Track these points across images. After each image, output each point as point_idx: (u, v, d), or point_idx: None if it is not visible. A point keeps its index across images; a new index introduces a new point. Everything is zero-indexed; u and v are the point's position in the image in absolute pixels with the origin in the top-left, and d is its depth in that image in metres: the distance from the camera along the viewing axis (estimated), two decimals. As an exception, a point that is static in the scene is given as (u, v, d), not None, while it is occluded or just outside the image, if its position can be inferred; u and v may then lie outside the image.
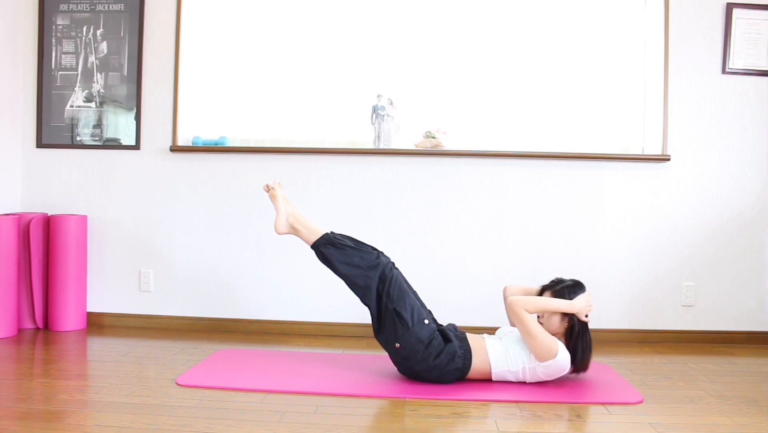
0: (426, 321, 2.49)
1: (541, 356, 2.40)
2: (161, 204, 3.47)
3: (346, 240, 2.62)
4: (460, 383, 2.50)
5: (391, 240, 3.38)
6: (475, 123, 3.50)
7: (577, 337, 2.47)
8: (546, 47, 3.48)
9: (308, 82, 3.52)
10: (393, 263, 2.61)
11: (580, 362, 2.49)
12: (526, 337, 2.42)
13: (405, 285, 2.57)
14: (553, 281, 2.58)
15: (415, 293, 2.64)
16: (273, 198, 2.73)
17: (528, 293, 2.60)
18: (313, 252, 2.64)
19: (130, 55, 3.45)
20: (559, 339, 2.47)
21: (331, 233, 2.66)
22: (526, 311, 2.42)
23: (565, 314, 2.48)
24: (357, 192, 3.41)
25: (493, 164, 3.39)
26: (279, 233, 2.69)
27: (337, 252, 2.56)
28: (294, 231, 2.67)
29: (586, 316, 2.49)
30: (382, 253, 2.62)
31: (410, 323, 2.45)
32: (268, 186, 2.76)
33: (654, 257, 3.37)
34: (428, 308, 2.67)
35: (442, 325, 2.63)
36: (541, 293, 2.59)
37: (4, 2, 3.37)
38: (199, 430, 1.98)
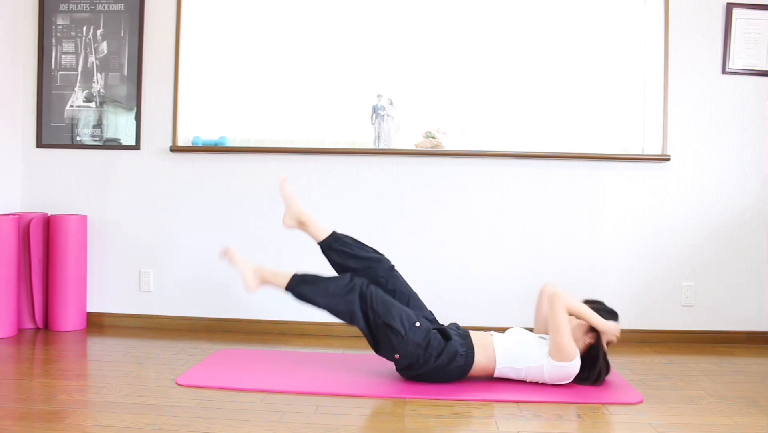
0: (417, 324, 2.47)
1: (559, 355, 2.41)
2: (161, 204, 3.47)
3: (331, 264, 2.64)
4: (461, 382, 2.50)
5: (392, 240, 3.38)
6: (475, 123, 3.50)
7: (596, 358, 2.47)
8: (546, 47, 3.48)
9: (308, 82, 3.52)
10: (368, 282, 2.55)
11: (596, 381, 2.49)
12: (554, 331, 2.42)
13: (387, 296, 2.54)
14: (594, 300, 2.61)
15: (411, 297, 2.63)
16: (232, 261, 2.67)
17: None
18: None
19: (130, 55, 3.45)
20: None
21: (333, 233, 2.67)
22: (567, 307, 2.44)
23: (590, 331, 2.50)
24: (357, 192, 3.41)
25: (493, 164, 3.39)
26: (250, 290, 2.64)
27: (310, 288, 2.54)
28: (265, 281, 2.63)
29: (608, 344, 2.52)
30: (354, 274, 2.57)
31: (403, 331, 2.44)
32: (225, 251, 2.68)
33: (654, 257, 3.37)
34: (429, 308, 2.68)
35: (443, 325, 2.63)
36: None
37: (4, 2, 3.37)
38: (199, 430, 1.98)
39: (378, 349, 2.54)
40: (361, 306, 2.50)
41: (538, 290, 2.78)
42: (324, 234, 2.68)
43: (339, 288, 2.52)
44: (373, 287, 2.54)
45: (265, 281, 2.63)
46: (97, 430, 1.96)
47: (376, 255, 2.69)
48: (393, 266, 2.70)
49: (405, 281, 2.70)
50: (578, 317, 2.50)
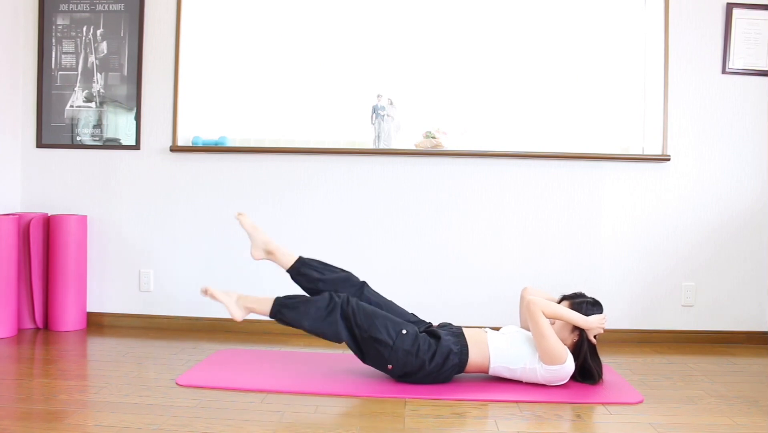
0: (404, 331, 2.46)
1: (549, 359, 2.41)
2: (161, 204, 3.47)
3: (313, 269, 2.64)
4: (460, 382, 2.50)
5: (391, 240, 3.38)
6: (475, 123, 3.50)
7: (586, 356, 2.49)
8: (546, 47, 3.48)
9: (308, 82, 3.52)
10: (347, 298, 2.52)
11: (590, 377, 2.50)
12: (538, 337, 2.42)
13: (369, 308, 2.52)
14: (574, 294, 2.60)
15: (382, 305, 2.63)
16: (214, 298, 2.63)
17: (546, 299, 2.59)
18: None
19: (130, 55, 3.45)
20: None
21: (300, 258, 2.65)
22: (543, 312, 2.43)
23: (575, 328, 2.50)
24: (357, 192, 3.41)
25: (493, 164, 3.39)
26: (237, 320, 2.61)
27: (292, 313, 2.53)
28: (249, 309, 2.60)
29: (596, 337, 2.52)
30: (333, 294, 2.55)
31: (391, 342, 2.43)
32: (205, 290, 2.62)
33: (654, 257, 3.37)
34: (413, 310, 2.69)
35: (431, 324, 2.64)
36: (559, 301, 2.60)
37: (4, 2, 3.37)
38: (199, 430, 1.98)
39: (366, 360, 2.53)
40: (346, 324, 2.49)
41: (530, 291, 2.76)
42: (291, 260, 2.68)
43: (320, 310, 2.50)
44: (354, 302, 2.52)
45: (249, 309, 2.61)
46: (97, 430, 1.96)
47: (345, 274, 2.69)
48: (363, 283, 2.69)
49: (377, 293, 2.69)
50: (558, 319, 2.49)
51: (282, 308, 2.54)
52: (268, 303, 2.57)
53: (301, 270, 2.68)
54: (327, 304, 2.51)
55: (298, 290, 2.71)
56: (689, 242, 3.37)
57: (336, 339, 2.52)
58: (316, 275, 2.66)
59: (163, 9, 3.44)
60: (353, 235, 3.41)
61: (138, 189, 3.48)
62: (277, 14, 3.52)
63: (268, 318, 2.59)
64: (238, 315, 2.60)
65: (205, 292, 2.63)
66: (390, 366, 2.46)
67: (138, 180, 3.48)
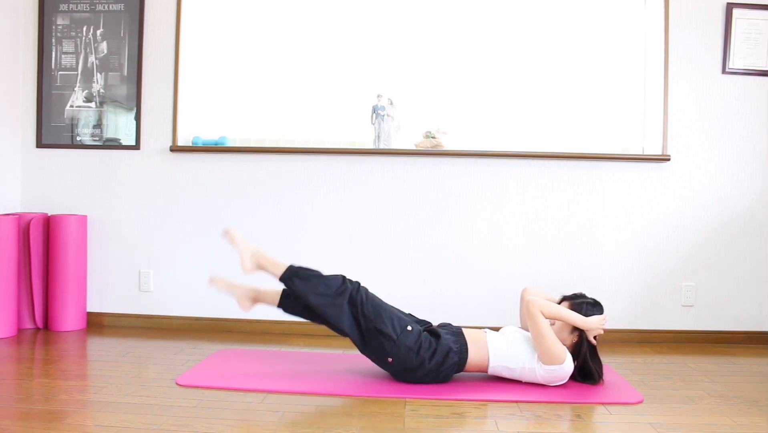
0: (409, 327, 2.46)
1: (548, 359, 2.41)
2: (161, 204, 3.47)
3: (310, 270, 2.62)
4: (460, 382, 2.50)
5: (391, 240, 3.38)
6: (475, 123, 3.50)
7: (586, 356, 2.49)
8: (546, 47, 3.48)
9: (308, 82, 3.52)
10: (359, 286, 2.54)
11: (590, 377, 2.50)
12: (538, 337, 2.42)
13: (377, 300, 2.53)
14: (574, 294, 2.61)
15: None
16: (233, 241, 2.66)
17: (547, 299, 2.59)
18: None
19: (130, 55, 3.45)
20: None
21: (290, 267, 2.63)
22: (542, 313, 2.43)
23: (575, 329, 2.50)
24: (357, 192, 3.41)
25: (493, 164, 3.39)
26: (245, 271, 2.63)
27: (302, 283, 2.52)
28: (260, 266, 2.62)
29: (595, 338, 2.52)
30: (347, 278, 2.55)
31: (395, 335, 2.43)
32: (226, 231, 2.67)
33: (654, 257, 3.37)
34: (412, 312, 2.68)
35: (431, 324, 2.64)
36: (559, 302, 2.60)
37: (4, 2, 3.37)
38: (199, 430, 1.98)
39: (366, 350, 2.53)
40: (352, 311, 2.48)
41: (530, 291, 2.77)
42: (281, 270, 2.61)
43: (329, 289, 2.49)
44: (363, 291, 2.52)
45: (260, 266, 2.61)
46: (97, 430, 1.96)
47: (340, 276, 2.64)
48: (358, 284, 2.62)
49: (374, 295, 2.63)
50: (558, 320, 2.49)
51: (294, 276, 2.54)
52: (281, 267, 2.57)
53: (294, 279, 2.66)
54: (338, 286, 2.50)
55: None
56: (689, 242, 3.37)
57: (336, 322, 2.49)
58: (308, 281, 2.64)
59: (163, 9, 3.44)
60: (353, 235, 3.41)
61: (138, 189, 3.48)
62: (277, 14, 3.52)
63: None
64: (249, 267, 2.60)
65: (226, 232, 2.65)
66: (390, 359, 2.46)
67: (138, 180, 3.48)
